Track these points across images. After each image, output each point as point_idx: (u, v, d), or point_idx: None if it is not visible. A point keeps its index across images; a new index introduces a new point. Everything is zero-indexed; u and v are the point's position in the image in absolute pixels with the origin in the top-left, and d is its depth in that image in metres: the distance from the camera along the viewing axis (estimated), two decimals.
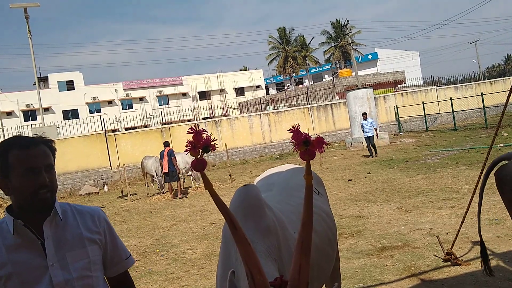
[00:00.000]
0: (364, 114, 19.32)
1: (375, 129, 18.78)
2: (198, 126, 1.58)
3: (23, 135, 1.86)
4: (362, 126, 18.87)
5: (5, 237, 1.79)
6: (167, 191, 15.49)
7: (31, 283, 1.75)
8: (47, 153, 1.84)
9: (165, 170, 15.10)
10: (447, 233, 6.60)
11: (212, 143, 1.58)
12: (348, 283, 5.31)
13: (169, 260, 7.61)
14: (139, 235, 9.89)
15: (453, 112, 26.05)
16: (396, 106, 29.63)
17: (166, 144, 15.49)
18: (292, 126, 1.56)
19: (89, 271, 1.86)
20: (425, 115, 28.44)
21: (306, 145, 1.55)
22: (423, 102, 28.72)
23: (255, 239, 2.13)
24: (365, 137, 18.84)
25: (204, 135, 1.55)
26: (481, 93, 25.88)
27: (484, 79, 38.02)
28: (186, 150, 1.56)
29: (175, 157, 15.05)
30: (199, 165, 1.58)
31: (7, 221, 1.81)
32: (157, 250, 8.38)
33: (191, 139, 1.54)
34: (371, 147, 18.39)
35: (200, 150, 1.57)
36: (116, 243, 2.02)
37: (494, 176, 3.83)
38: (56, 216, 1.85)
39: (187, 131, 1.56)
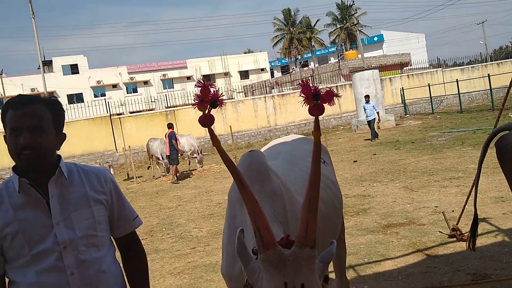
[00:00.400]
0: (367, 97, 18.89)
1: (377, 112, 18.48)
2: (205, 82, 1.56)
3: (26, 94, 1.85)
4: (364, 109, 18.61)
5: (11, 195, 1.80)
6: (171, 174, 15.44)
7: (37, 241, 1.77)
8: (37, 113, 1.79)
9: (167, 152, 15.09)
10: (453, 211, 6.59)
11: (220, 98, 1.56)
12: (354, 258, 5.33)
13: (176, 238, 7.66)
14: (146, 215, 9.95)
15: (459, 94, 25.85)
16: (402, 88, 29.44)
17: (169, 126, 15.41)
18: (302, 80, 1.54)
19: (94, 231, 1.87)
20: (431, 97, 28.26)
21: (315, 99, 1.53)
22: (429, 84, 28.51)
23: (261, 202, 2.12)
24: (367, 121, 18.57)
25: (212, 89, 1.53)
26: (488, 74, 25.64)
27: (491, 61, 37.62)
28: (193, 104, 1.54)
29: (175, 140, 14.92)
30: (206, 121, 1.57)
31: (13, 180, 1.82)
32: (164, 229, 8.44)
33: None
34: (372, 131, 18.07)
35: (208, 106, 1.55)
36: (123, 203, 2.02)
37: (495, 146, 3.80)
38: (61, 175, 1.86)
39: (195, 85, 1.54)
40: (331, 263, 3.48)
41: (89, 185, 1.91)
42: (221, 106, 1.58)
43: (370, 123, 18.22)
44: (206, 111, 1.55)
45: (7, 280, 1.87)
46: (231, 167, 1.62)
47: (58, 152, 1.91)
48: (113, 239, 2.04)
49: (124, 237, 2.05)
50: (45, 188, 1.82)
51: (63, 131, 1.92)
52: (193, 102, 1.56)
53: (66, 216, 1.82)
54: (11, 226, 1.76)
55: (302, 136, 3.56)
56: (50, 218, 1.80)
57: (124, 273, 2.04)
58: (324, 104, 1.55)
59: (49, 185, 1.82)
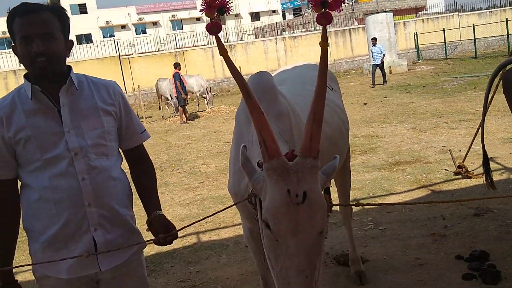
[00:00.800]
0: (374, 39, 18.32)
1: (383, 55, 18.01)
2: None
3: (29, 1, 1.84)
4: (372, 53, 18.10)
5: (23, 102, 1.84)
6: (179, 114, 15.41)
7: (49, 146, 1.82)
8: (47, 20, 1.80)
9: (174, 93, 15.02)
10: (460, 150, 6.61)
11: (227, 6, 1.55)
12: (359, 193, 5.42)
13: (185, 174, 7.81)
14: (155, 152, 10.09)
15: (474, 39, 25.19)
16: (416, 32, 28.70)
17: (175, 65, 15.14)
18: None
19: (103, 140, 1.92)
20: (445, 42, 27.57)
21: (323, 7, 1.51)
22: (444, 28, 27.75)
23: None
24: (373, 65, 18.11)
25: None
26: (506, 19, 24.87)
27: (511, 6, 36.37)
28: (201, 10, 1.53)
29: (180, 81, 14.72)
30: (214, 28, 1.57)
31: (25, 87, 1.85)
32: (173, 165, 8.59)
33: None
34: (382, 75, 17.62)
35: (215, 13, 1.54)
36: (131, 117, 2.06)
37: (501, 79, 3.76)
38: (72, 85, 1.88)
39: None
40: (336, 190, 3.56)
41: (99, 96, 1.94)
42: (229, 13, 1.57)
43: (377, 67, 17.75)
44: (214, 18, 1.55)
45: (19, 183, 1.95)
46: (238, 78, 1.62)
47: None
48: (121, 152, 2.10)
49: (132, 149, 2.10)
50: (56, 97, 1.85)
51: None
52: (200, 8, 1.55)
53: (77, 125, 1.86)
54: (24, 131, 1.81)
55: (311, 63, 3.54)
56: (61, 126, 1.84)
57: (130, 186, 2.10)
58: (331, 13, 1.54)
59: (60, 94, 1.85)
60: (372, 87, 17.21)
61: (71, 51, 1.94)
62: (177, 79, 14.75)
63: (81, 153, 1.85)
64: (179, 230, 1.97)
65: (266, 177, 1.60)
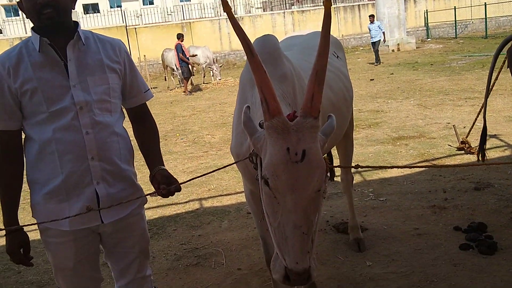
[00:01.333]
0: (371, 16, 17.93)
1: (383, 33, 17.61)
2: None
3: None
4: (369, 30, 17.70)
5: (30, 54, 1.85)
6: (183, 85, 15.35)
7: (54, 99, 1.85)
8: None
9: (177, 65, 14.93)
10: (464, 127, 6.59)
11: None
12: (361, 165, 5.44)
13: (189, 143, 7.86)
14: (160, 122, 10.11)
15: (485, 18, 24.82)
16: (426, 10, 28.29)
17: (178, 36, 14.96)
18: None
19: (108, 96, 1.94)
20: (455, 21, 27.19)
21: None
22: (455, 7, 27.33)
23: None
24: (371, 42, 17.75)
25: None
26: None
27: None
28: None
29: (181, 52, 14.62)
30: None
31: (32, 40, 1.87)
32: (177, 135, 8.63)
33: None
34: (376, 54, 17.27)
35: None
36: (135, 75, 2.08)
37: (506, 53, 3.75)
38: (79, 40, 1.90)
39: None
40: (338, 159, 3.59)
41: (105, 53, 1.96)
42: None
43: (374, 44, 17.36)
44: None
45: (23, 135, 1.98)
46: (241, 34, 1.61)
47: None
48: (124, 110, 2.12)
49: (136, 108, 2.13)
50: (63, 51, 1.87)
51: None
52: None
53: (83, 80, 1.88)
54: (30, 83, 1.83)
55: (318, 30, 3.52)
56: (67, 80, 1.86)
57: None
58: None
59: (67, 49, 1.87)
60: (377, 64, 16.86)
61: (75, 7, 1.94)
62: (180, 50, 14.66)
63: (86, 108, 1.87)
64: (181, 183, 2.00)
65: (266, 136, 1.62)
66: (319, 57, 1.62)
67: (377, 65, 16.82)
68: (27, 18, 1.91)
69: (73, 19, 1.94)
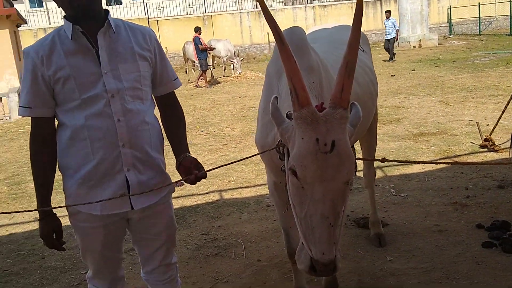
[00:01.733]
0: (388, 12, 17.49)
1: (397, 30, 17.22)
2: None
3: None
4: (385, 26, 17.29)
5: (63, 42, 1.89)
6: (202, 79, 15.38)
7: (87, 86, 1.88)
8: None
9: (195, 59, 14.97)
10: (487, 125, 6.51)
11: None
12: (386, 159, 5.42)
13: (209, 135, 7.91)
14: None
15: (510, 15, 24.31)
16: (450, 6, 27.86)
17: (195, 29, 15.04)
18: None
19: (139, 84, 1.97)
20: (479, 17, 26.70)
21: None
22: (479, 3, 26.83)
23: None
24: (385, 39, 17.38)
25: None
26: None
27: None
28: None
29: (197, 45, 14.67)
30: None
31: (65, 28, 1.90)
32: (197, 127, 8.68)
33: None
34: (389, 50, 16.93)
35: None
36: (165, 63, 2.11)
37: None
38: (110, 28, 1.93)
39: None
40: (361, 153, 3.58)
41: (135, 41, 1.99)
42: None
43: (389, 41, 17.02)
44: None
45: (56, 122, 2.02)
46: (272, 23, 1.62)
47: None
48: (153, 97, 2.15)
49: (165, 96, 2.16)
50: (94, 39, 1.90)
51: None
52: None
53: (114, 67, 1.91)
54: (63, 70, 1.86)
55: (343, 24, 3.51)
56: (99, 67, 1.89)
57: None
58: None
59: (98, 36, 1.90)
60: (390, 62, 16.46)
61: None
62: (198, 43, 14.74)
63: (117, 95, 1.91)
64: (207, 171, 2.01)
65: (295, 126, 1.62)
66: (349, 49, 1.61)
67: (390, 62, 16.51)
68: (58, 7, 1.94)
69: None
